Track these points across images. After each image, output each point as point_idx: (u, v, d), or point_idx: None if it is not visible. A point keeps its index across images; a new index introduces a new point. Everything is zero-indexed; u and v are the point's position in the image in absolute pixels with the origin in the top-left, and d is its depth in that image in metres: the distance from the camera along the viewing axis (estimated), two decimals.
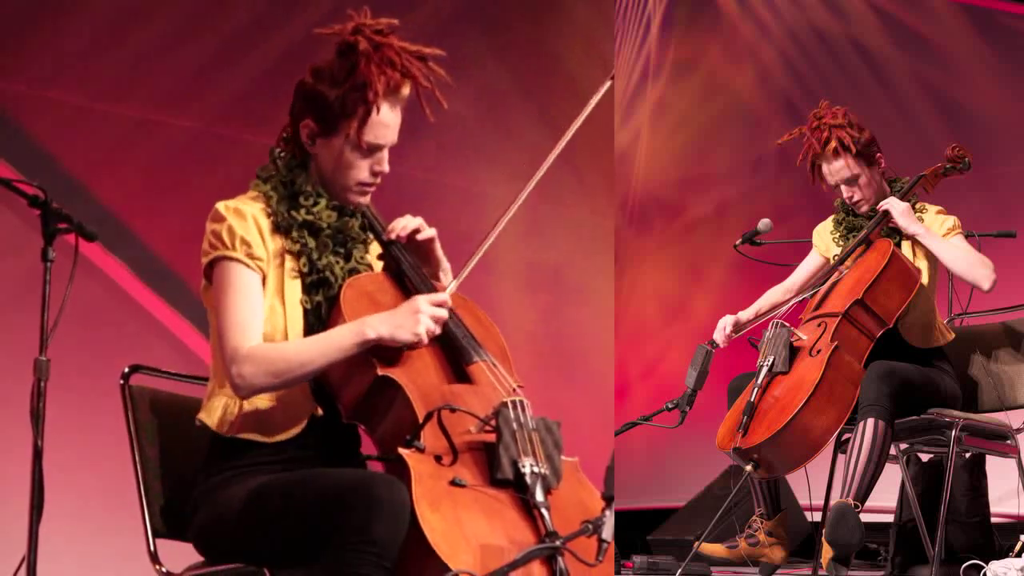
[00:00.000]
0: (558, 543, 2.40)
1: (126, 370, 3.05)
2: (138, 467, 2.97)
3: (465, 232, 6.08)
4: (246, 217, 2.73)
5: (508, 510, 2.50)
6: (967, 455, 4.85)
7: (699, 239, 8.02)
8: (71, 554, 4.52)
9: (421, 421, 2.56)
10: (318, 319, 2.71)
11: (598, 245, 6.90)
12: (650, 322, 8.18)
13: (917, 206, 4.49)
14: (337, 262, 2.78)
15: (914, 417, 4.28)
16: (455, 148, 6.16)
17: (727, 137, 8.02)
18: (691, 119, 8.20)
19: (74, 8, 5.03)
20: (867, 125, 4.53)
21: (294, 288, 2.75)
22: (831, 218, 4.68)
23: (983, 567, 4.19)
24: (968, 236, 4.52)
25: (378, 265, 2.87)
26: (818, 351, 4.22)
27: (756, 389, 4.19)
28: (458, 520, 2.44)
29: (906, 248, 4.46)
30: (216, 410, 2.73)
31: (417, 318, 2.62)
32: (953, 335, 4.51)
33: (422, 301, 2.65)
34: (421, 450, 2.54)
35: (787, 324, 4.32)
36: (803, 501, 5.12)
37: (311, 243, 2.76)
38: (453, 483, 2.50)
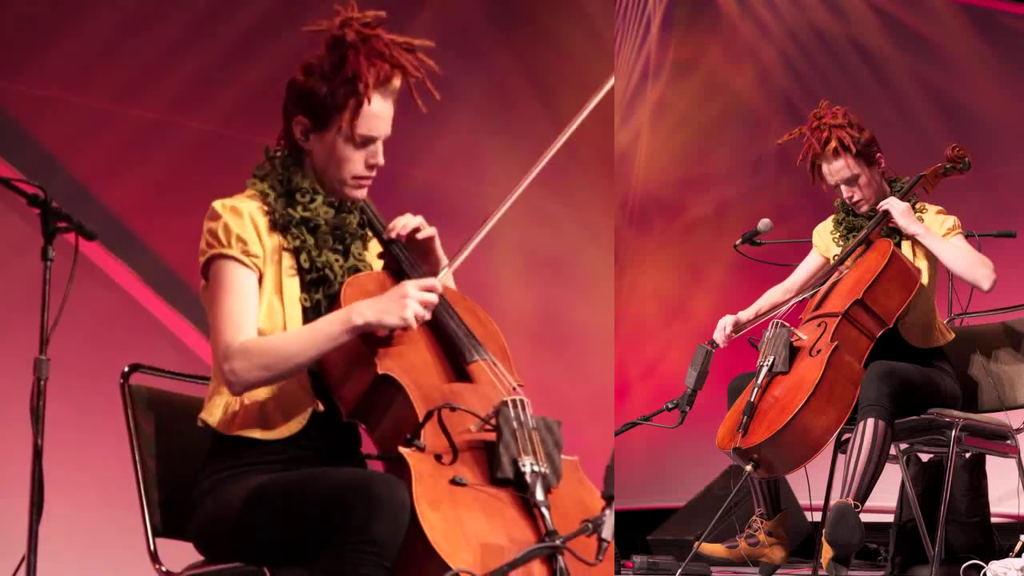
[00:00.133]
0: (558, 542, 2.40)
1: (126, 369, 3.05)
2: (138, 466, 2.97)
3: (466, 231, 6.09)
4: (242, 215, 2.73)
5: (508, 509, 2.50)
6: (967, 455, 4.84)
7: (699, 239, 8.01)
8: (71, 553, 4.52)
9: (421, 420, 2.56)
10: (318, 317, 2.71)
11: (598, 245, 6.90)
12: (650, 322, 8.18)
13: (917, 206, 4.49)
14: (336, 260, 2.78)
15: (914, 417, 4.28)
16: (455, 148, 6.16)
17: (727, 137, 8.02)
18: (691, 119, 8.20)
19: (80, 10, 5.04)
20: (867, 125, 4.53)
21: (292, 286, 2.75)
22: (831, 218, 4.68)
23: (983, 567, 4.18)
24: (968, 236, 4.52)
25: (377, 263, 2.87)
26: (818, 351, 4.22)
27: (756, 389, 4.19)
28: (458, 519, 2.44)
29: (906, 248, 4.45)
30: (217, 408, 2.73)
31: (404, 302, 2.61)
32: (953, 335, 4.51)
33: (410, 286, 2.65)
34: (421, 449, 2.54)
35: (787, 324, 4.31)
36: (803, 501, 5.12)
37: (309, 240, 2.76)
38: (453, 482, 2.50)
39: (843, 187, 4.51)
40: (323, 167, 2.79)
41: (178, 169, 5.17)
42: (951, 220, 4.45)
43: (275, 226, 2.76)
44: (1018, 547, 4.23)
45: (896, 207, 4.41)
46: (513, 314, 6.22)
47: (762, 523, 4.49)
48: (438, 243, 2.90)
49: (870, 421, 4.14)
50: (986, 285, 4.34)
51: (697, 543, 4.47)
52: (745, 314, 4.57)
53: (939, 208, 4.50)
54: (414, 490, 2.43)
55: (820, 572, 4.18)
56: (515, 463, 2.53)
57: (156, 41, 5.20)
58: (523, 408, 2.61)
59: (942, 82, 7.16)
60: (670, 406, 4.43)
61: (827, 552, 4.06)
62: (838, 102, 4.58)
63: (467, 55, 6.18)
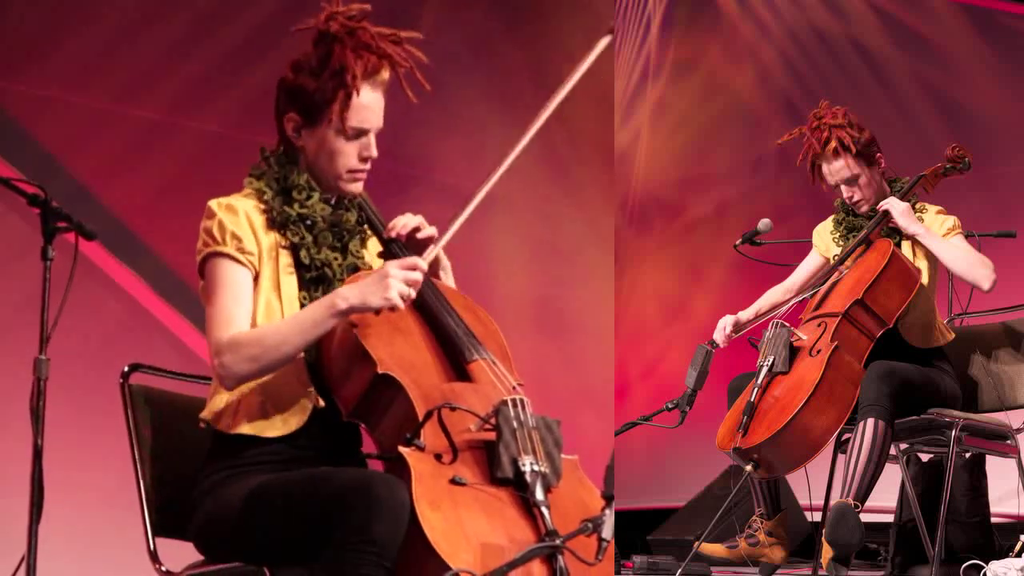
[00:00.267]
0: (558, 542, 2.40)
1: (126, 369, 3.05)
2: (138, 466, 2.97)
3: (466, 231, 6.09)
4: (238, 213, 2.74)
5: (508, 508, 2.50)
6: (967, 455, 4.84)
7: (699, 239, 8.01)
8: (71, 553, 4.52)
9: (421, 419, 2.56)
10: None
11: (598, 245, 6.90)
12: (650, 322, 8.18)
13: (917, 206, 4.49)
14: (335, 258, 2.78)
15: (914, 417, 4.28)
16: (455, 148, 6.16)
17: (727, 137, 8.01)
18: (691, 119, 8.20)
19: (82, 11, 5.04)
20: (867, 125, 4.53)
21: (290, 283, 2.75)
22: (831, 218, 4.68)
23: (983, 567, 4.18)
24: (968, 236, 4.52)
25: (376, 262, 2.87)
26: (818, 351, 4.22)
27: (756, 389, 4.19)
28: (458, 519, 2.44)
29: (906, 248, 4.45)
30: (218, 407, 2.73)
31: (387, 283, 2.60)
32: (953, 335, 4.51)
33: (392, 266, 2.64)
34: (421, 448, 2.53)
35: (787, 324, 4.31)
36: (803, 501, 5.12)
37: (308, 238, 2.76)
38: (453, 482, 2.50)
39: (843, 187, 4.51)
40: (317, 162, 2.79)
41: (180, 170, 5.18)
42: (951, 220, 4.45)
43: (272, 224, 2.76)
44: (1018, 547, 4.23)
45: (896, 207, 4.41)
46: (513, 313, 6.22)
47: (762, 523, 4.49)
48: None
49: (870, 421, 4.14)
50: (986, 285, 4.34)
51: (697, 543, 4.47)
52: (745, 314, 4.57)
53: (939, 208, 4.50)
54: (414, 490, 2.43)
55: (820, 572, 4.18)
56: (515, 462, 2.53)
57: (158, 42, 5.20)
58: (523, 407, 2.61)
59: (942, 82, 7.16)
60: (670, 406, 4.43)
61: (827, 552, 4.06)
62: (838, 102, 4.58)
63: (466, 56, 6.18)
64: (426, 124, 5.83)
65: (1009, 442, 4.48)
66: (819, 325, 4.31)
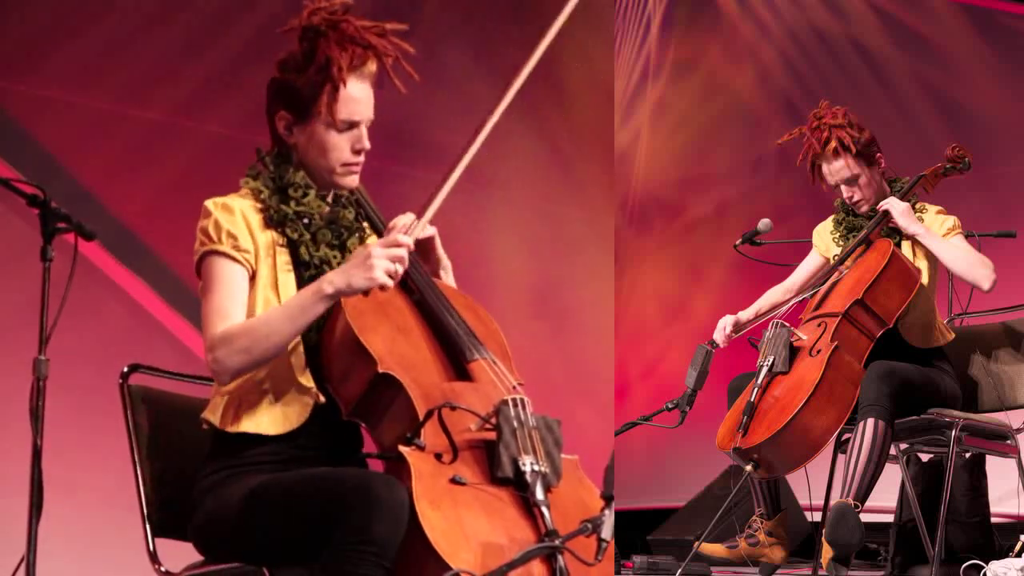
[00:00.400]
0: (557, 542, 2.40)
1: (125, 369, 3.05)
2: (137, 466, 2.97)
3: (466, 232, 6.11)
4: (233, 211, 2.74)
5: (508, 508, 2.50)
6: (967, 455, 4.84)
7: (699, 239, 8.01)
8: (70, 553, 4.52)
9: (422, 419, 2.56)
10: None
11: (598, 245, 6.90)
12: (650, 322, 8.18)
13: (917, 206, 4.49)
14: (334, 256, 2.78)
15: (914, 417, 4.28)
16: (454, 148, 6.14)
17: (727, 137, 8.01)
18: (691, 119, 8.20)
19: (86, 12, 5.04)
20: (867, 125, 4.53)
21: (288, 281, 2.75)
22: (831, 218, 4.68)
23: (983, 567, 4.18)
24: (968, 236, 4.52)
25: None
26: (818, 351, 4.22)
27: (756, 389, 4.19)
28: (458, 518, 2.44)
29: (906, 248, 4.45)
30: (219, 406, 2.73)
31: (370, 263, 2.59)
32: (953, 335, 4.51)
33: (374, 245, 2.64)
34: (421, 448, 2.53)
35: (787, 324, 4.31)
36: (803, 501, 5.12)
37: (305, 235, 2.77)
38: (453, 481, 2.50)
39: (843, 187, 4.51)
40: (310, 158, 2.79)
41: (180, 171, 5.18)
42: (951, 220, 4.45)
43: (270, 223, 2.77)
44: (1018, 547, 4.23)
45: (896, 207, 4.41)
46: (513, 313, 6.22)
47: (762, 523, 4.49)
48: (439, 242, 2.90)
49: (870, 421, 4.14)
50: (986, 285, 4.34)
51: (697, 543, 4.47)
52: (745, 314, 4.57)
53: (939, 208, 4.50)
54: (414, 489, 2.43)
55: (820, 572, 4.18)
56: (515, 462, 2.53)
57: (161, 43, 5.20)
58: (523, 407, 2.61)
59: (942, 82, 7.16)
60: (670, 406, 4.43)
61: (827, 552, 4.06)
62: (838, 102, 4.58)
63: (465, 56, 6.18)
64: (413, 120, 5.83)
65: (1009, 442, 4.48)
66: (819, 325, 4.31)
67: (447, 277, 2.93)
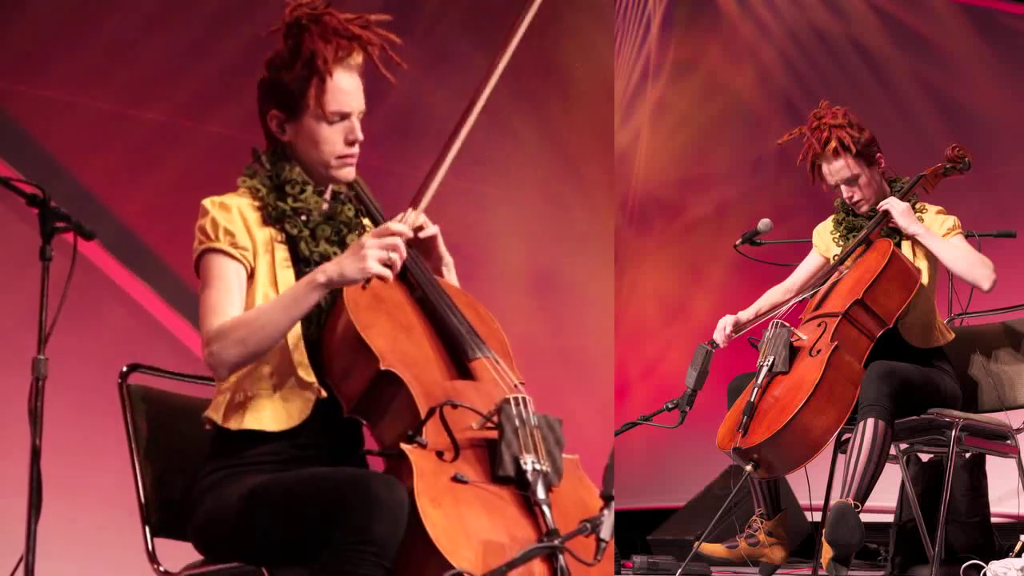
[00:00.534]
0: (556, 543, 2.40)
1: (124, 369, 3.05)
2: (136, 466, 2.97)
3: (466, 233, 6.10)
4: (231, 209, 2.75)
5: (509, 507, 2.50)
6: (967, 455, 4.84)
7: (699, 239, 8.01)
8: (69, 554, 4.52)
9: (424, 417, 2.56)
10: (318, 309, 2.71)
11: (598, 245, 6.90)
12: (650, 322, 8.18)
13: (917, 206, 4.49)
14: (334, 252, 2.78)
15: (914, 417, 4.27)
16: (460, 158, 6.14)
17: (727, 137, 8.01)
18: (691, 119, 8.20)
19: (90, 14, 5.04)
20: (867, 125, 4.53)
21: (287, 277, 2.75)
22: (831, 218, 4.68)
23: (983, 567, 4.18)
24: (968, 236, 4.52)
25: None
26: (818, 351, 4.22)
27: (756, 389, 4.19)
28: (460, 516, 2.44)
29: (906, 248, 4.45)
30: (222, 404, 2.73)
31: (363, 252, 2.59)
32: (953, 335, 4.51)
33: (367, 236, 2.64)
34: (423, 446, 2.53)
35: (787, 324, 4.31)
36: (803, 501, 5.12)
37: (304, 231, 2.77)
38: (455, 479, 2.50)
39: (843, 187, 4.51)
40: (305, 154, 2.80)
41: (181, 171, 5.17)
42: (951, 220, 4.45)
43: (268, 220, 2.77)
44: (1018, 547, 4.23)
45: (896, 207, 4.41)
46: (513, 314, 6.21)
47: (762, 523, 4.49)
48: (441, 241, 2.90)
49: (870, 421, 4.14)
50: (986, 285, 4.34)
51: (697, 543, 4.47)
52: (745, 314, 4.57)
53: (939, 208, 4.50)
54: (415, 486, 2.43)
55: (820, 572, 4.18)
56: (517, 461, 2.53)
57: (164, 45, 5.20)
58: (525, 406, 2.61)
59: (942, 82, 7.16)
60: (670, 406, 4.43)
61: (827, 552, 4.06)
62: (838, 102, 4.58)
63: (465, 56, 6.17)
64: (413, 121, 5.83)
65: (1009, 442, 4.48)
66: (819, 325, 4.31)
67: (449, 275, 2.93)
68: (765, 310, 4.58)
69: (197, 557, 2.80)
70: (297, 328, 2.70)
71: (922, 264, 4.44)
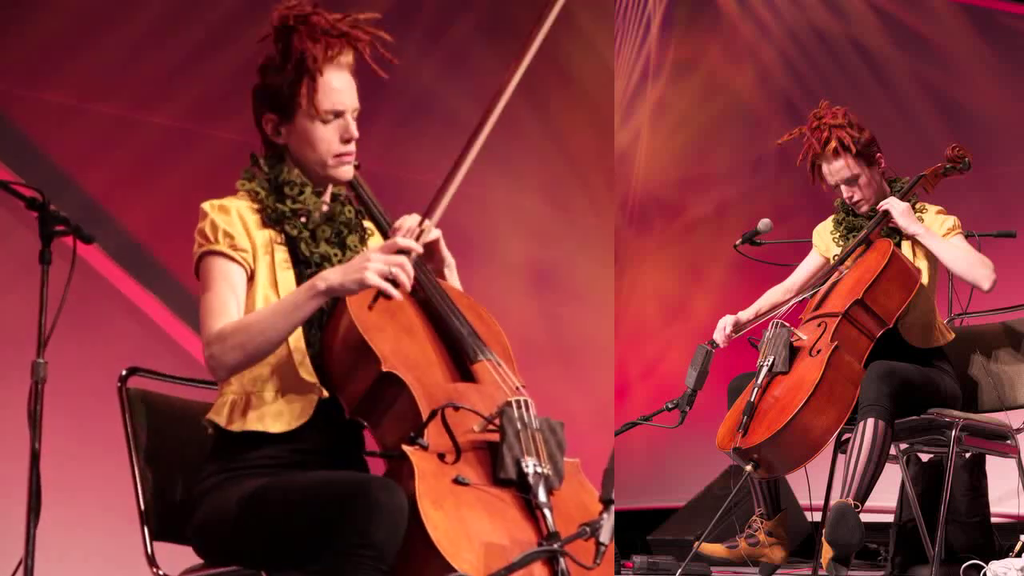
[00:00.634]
0: (555, 546, 2.40)
1: (123, 372, 3.05)
2: (135, 470, 2.97)
3: (466, 234, 6.10)
4: (230, 212, 2.76)
5: (511, 509, 2.50)
6: (967, 455, 4.84)
7: (699, 239, 8.01)
8: (68, 557, 4.53)
9: (425, 419, 2.56)
10: (319, 311, 2.71)
11: (598, 245, 6.90)
12: (650, 322, 8.17)
13: (917, 206, 4.49)
14: (335, 253, 2.78)
15: (914, 417, 4.28)
16: (453, 149, 6.14)
17: (727, 137, 8.01)
18: (691, 119, 8.19)
19: (96, 20, 5.04)
20: (867, 125, 4.53)
21: (287, 278, 2.75)
22: (831, 218, 4.68)
23: (983, 567, 4.18)
24: (968, 236, 4.52)
25: None
26: (818, 351, 4.22)
27: (756, 389, 4.19)
28: (461, 518, 2.43)
29: (906, 248, 4.45)
30: (224, 407, 2.73)
31: (364, 264, 2.58)
32: (953, 335, 4.51)
33: (373, 248, 2.64)
34: (425, 447, 2.53)
35: (787, 324, 4.31)
36: (803, 501, 5.12)
37: (304, 232, 2.77)
38: (456, 481, 2.50)
39: (843, 187, 4.51)
40: (302, 155, 2.80)
41: (184, 176, 5.17)
42: (951, 220, 4.45)
43: (267, 222, 2.77)
44: (1018, 547, 4.23)
45: (896, 207, 4.41)
46: (513, 315, 6.21)
47: (762, 523, 4.49)
48: (443, 243, 2.90)
49: (870, 421, 4.14)
50: (986, 285, 4.34)
51: (697, 543, 4.47)
52: (745, 314, 4.57)
53: (939, 208, 4.50)
54: (417, 488, 2.43)
55: (820, 572, 4.18)
56: (518, 463, 2.53)
57: (176, 48, 5.20)
58: (527, 408, 2.61)
59: (942, 82, 7.16)
60: (670, 406, 4.43)
61: (827, 552, 4.06)
62: (838, 102, 4.58)
63: (465, 56, 6.18)
64: (412, 121, 5.83)
65: (1009, 442, 4.48)
66: (819, 325, 4.31)
67: (451, 276, 2.93)
68: (765, 310, 4.58)
69: (196, 560, 2.80)
70: (299, 328, 2.70)
71: (922, 264, 4.44)
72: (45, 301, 2.77)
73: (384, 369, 2.61)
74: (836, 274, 4.46)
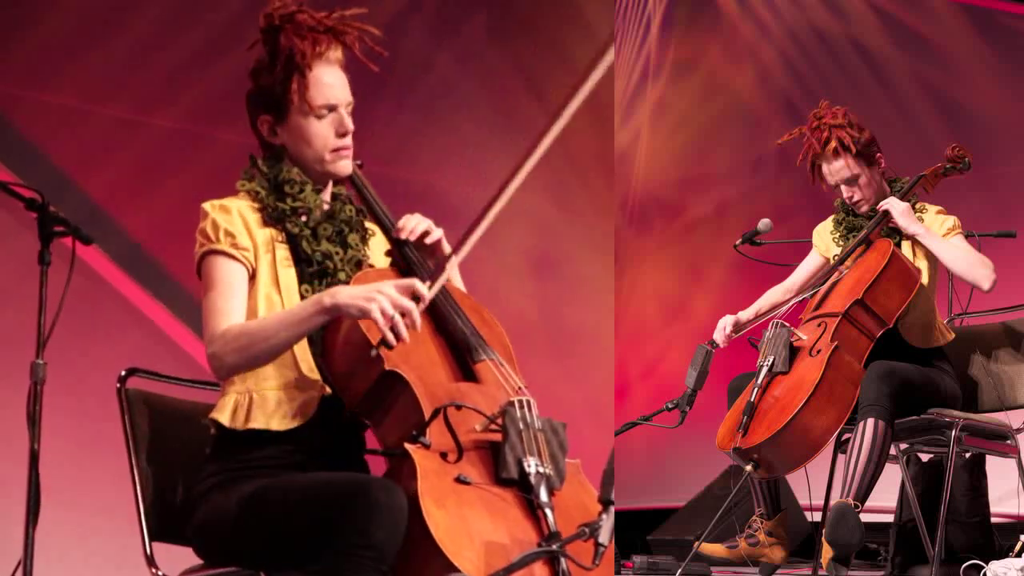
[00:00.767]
0: (555, 547, 2.40)
1: (123, 373, 3.05)
2: (134, 470, 2.97)
3: (466, 229, 6.07)
4: (231, 211, 2.76)
5: (512, 509, 2.50)
6: (967, 455, 4.84)
7: (699, 239, 8.01)
8: (67, 558, 4.52)
9: (427, 418, 2.56)
10: None
11: (598, 245, 6.89)
12: (650, 322, 8.17)
13: (917, 206, 4.49)
14: (336, 252, 2.79)
15: (914, 417, 4.27)
16: (454, 150, 6.15)
17: (727, 137, 8.01)
18: (691, 119, 8.19)
19: (96, 23, 5.04)
20: (867, 125, 4.53)
21: (289, 276, 2.76)
22: (831, 218, 4.68)
23: (983, 567, 4.18)
24: (968, 236, 4.52)
25: (379, 257, 2.88)
26: (818, 351, 4.22)
27: (756, 389, 4.19)
28: (463, 517, 2.44)
29: (906, 248, 4.45)
30: (227, 406, 2.73)
31: (372, 296, 2.58)
32: (953, 335, 4.51)
33: (388, 284, 2.63)
34: (427, 446, 2.53)
35: (787, 324, 4.31)
36: (803, 501, 5.12)
37: (305, 230, 2.77)
38: (458, 480, 2.50)
39: (843, 187, 4.51)
40: (299, 153, 2.81)
41: (182, 175, 5.17)
42: (951, 220, 4.45)
43: (268, 221, 2.78)
44: (1018, 547, 4.23)
45: (896, 207, 4.41)
46: (513, 314, 6.21)
47: (762, 523, 4.49)
48: (445, 244, 2.90)
49: (870, 421, 4.14)
50: (986, 285, 4.34)
51: (697, 543, 4.47)
52: (745, 314, 4.57)
53: (939, 208, 4.50)
54: (419, 486, 2.43)
55: (820, 572, 4.18)
56: (520, 463, 2.53)
57: (179, 49, 5.20)
58: (529, 409, 2.61)
59: (942, 82, 7.16)
60: (670, 406, 4.43)
61: (827, 552, 4.06)
62: (838, 102, 4.58)
63: (465, 56, 6.18)
64: (412, 122, 5.82)
65: (1009, 442, 4.48)
66: (819, 325, 4.31)
67: (453, 275, 2.93)
68: (765, 310, 4.58)
69: (196, 561, 2.80)
70: None
71: (922, 264, 4.44)
72: (44, 302, 2.77)
73: (387, 367, 2.61)
74: (836, 274, 4.46)
